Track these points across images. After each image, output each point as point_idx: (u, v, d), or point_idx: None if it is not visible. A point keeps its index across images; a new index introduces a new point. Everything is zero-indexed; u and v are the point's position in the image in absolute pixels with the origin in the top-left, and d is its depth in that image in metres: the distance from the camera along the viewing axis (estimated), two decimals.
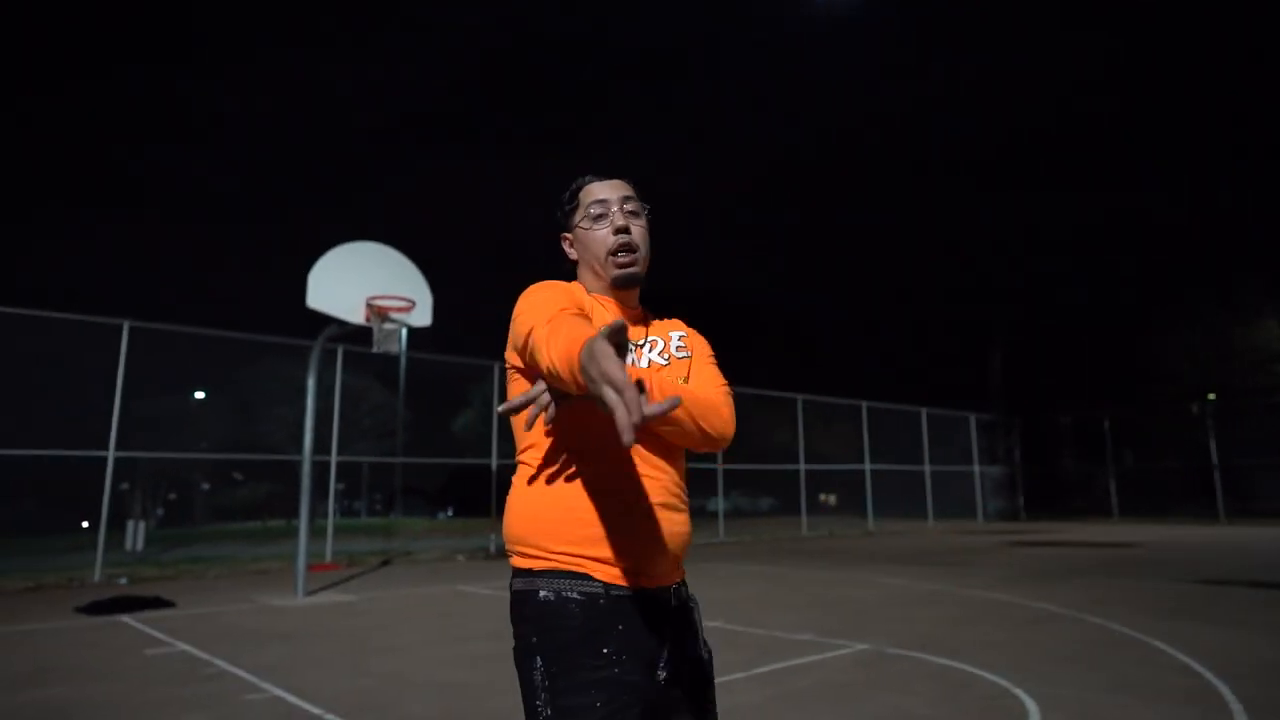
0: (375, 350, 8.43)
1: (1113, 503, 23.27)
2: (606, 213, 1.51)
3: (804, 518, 19.39)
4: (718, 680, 1.48)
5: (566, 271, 1.60)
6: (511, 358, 1.43)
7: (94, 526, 10.23)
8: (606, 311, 1.49)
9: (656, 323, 1.60)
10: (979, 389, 29.22)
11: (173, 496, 29.98)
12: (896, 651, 4.98)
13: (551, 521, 1.35)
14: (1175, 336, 28.61)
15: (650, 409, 0.92)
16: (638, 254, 1.51)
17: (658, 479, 1.40)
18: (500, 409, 1.35)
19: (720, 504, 18.68)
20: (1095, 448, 23.88)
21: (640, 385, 0.95)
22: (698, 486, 17.74)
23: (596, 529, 1.34)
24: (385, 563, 12.40)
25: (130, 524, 15.50)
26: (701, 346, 1.60)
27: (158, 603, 7.66)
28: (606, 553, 1.33)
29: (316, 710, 3.85)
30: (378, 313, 8.27)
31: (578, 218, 1.54)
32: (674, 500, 1.42)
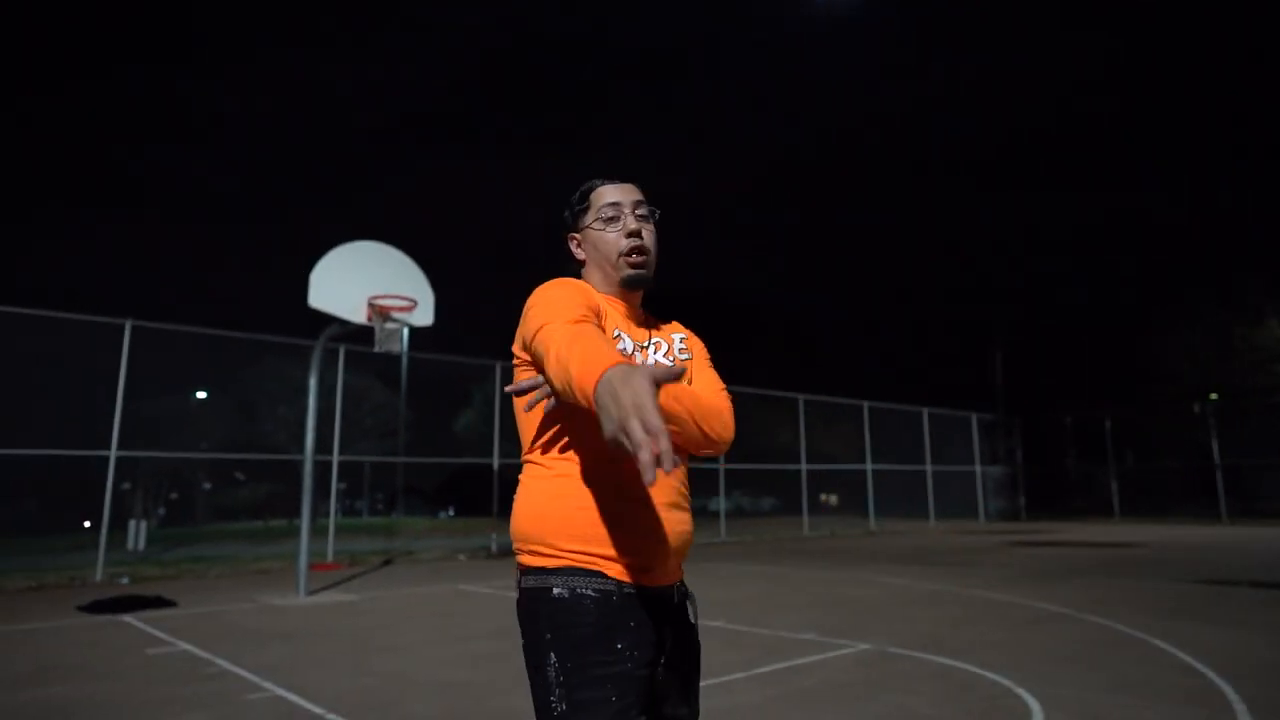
0: (377, 350, 8.43)
1: (1114, 503, 23.25)
2: (619, 215, 1.54)
3: (805, 517, 19.38)
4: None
5: (571, 270, 1.62)
6: (519, 350, 1.45)
7: (96, 526, 10.24)
8: (615, 311, 1.53)
9: (659, 325, 1.64)
10: (980, 389, 29.20)
11: (174, 496, 29.99)
12: (898, 651, 4.98)
13: (564, 520, 1.37)
14: (1176, 336, 28.58)
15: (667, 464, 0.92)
16: (649, 257, 1.55)
17: (666, 480, 1.41)
18: (507, 388, 1.38)
19: (722, 504, 18.68)
20: (1096, 448, 23.85)
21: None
22: (700, 486, 17.76)
23: (610, 528, 1.36)
24: (387, 562, 12.41)
25: (132, 523, 15.50)
26: (700, 349, 1.65)
27: (159, 602, 7.67)
28: (619, 551, 1.35)
29: (318, 710, 3.85)
30: (379, 312, 8.27)
31: (589, 219, 1.57)
32: (680, 500, 1.46)
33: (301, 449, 8.61)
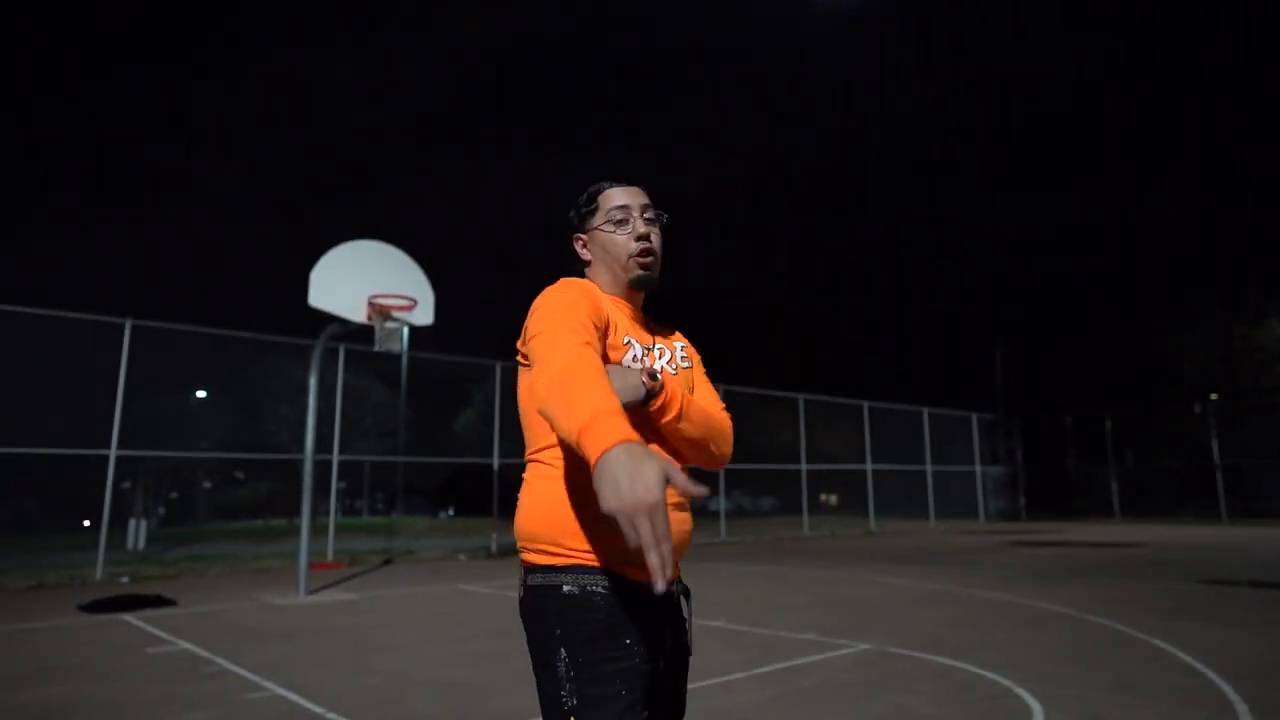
0: (377, 349, 8.43)
1: (1114, 503, 23.23)
2: (628, 218, 1.57)
3: (805, 517, 19.38)
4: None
5: (576, 270, 1.65)
6: (523, 348, 1.47)
7: (96, 525, 10.23)
8: (622, 313, 1.55)
9: (660, 330, 1.66)
10: (980, 389, 29.18)
11: (174, 495, 30.01)
12: (899, 651, 4.98)
13: (573, 519, 1.38)
14: (1176, 336, 28.58)
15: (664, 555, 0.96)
16: (656, 259, 1.59)
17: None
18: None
19: (722, 504, 18.69)
20: (1097, 448, 23.84)
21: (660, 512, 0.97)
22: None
23: (616, 536, 1.36)
24: (387, 561, 12.41)
25: (132, 523, 15.51)
26: (697, 359, 1.69)
27: (159, 601, 7.67)
28: (626, 550, 1.35)
29: (318, 709, 3.85)
30: (380, 311, 8.27)
31: (597, 221, 1.60)
32: (683, 501, 1.48)
33: (301, 448, 8.61)
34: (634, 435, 1.03)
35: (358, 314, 8.22)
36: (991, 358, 29.79)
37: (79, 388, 11.60)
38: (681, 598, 1.50)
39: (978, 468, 24.36)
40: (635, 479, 0.96)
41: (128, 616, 6.89)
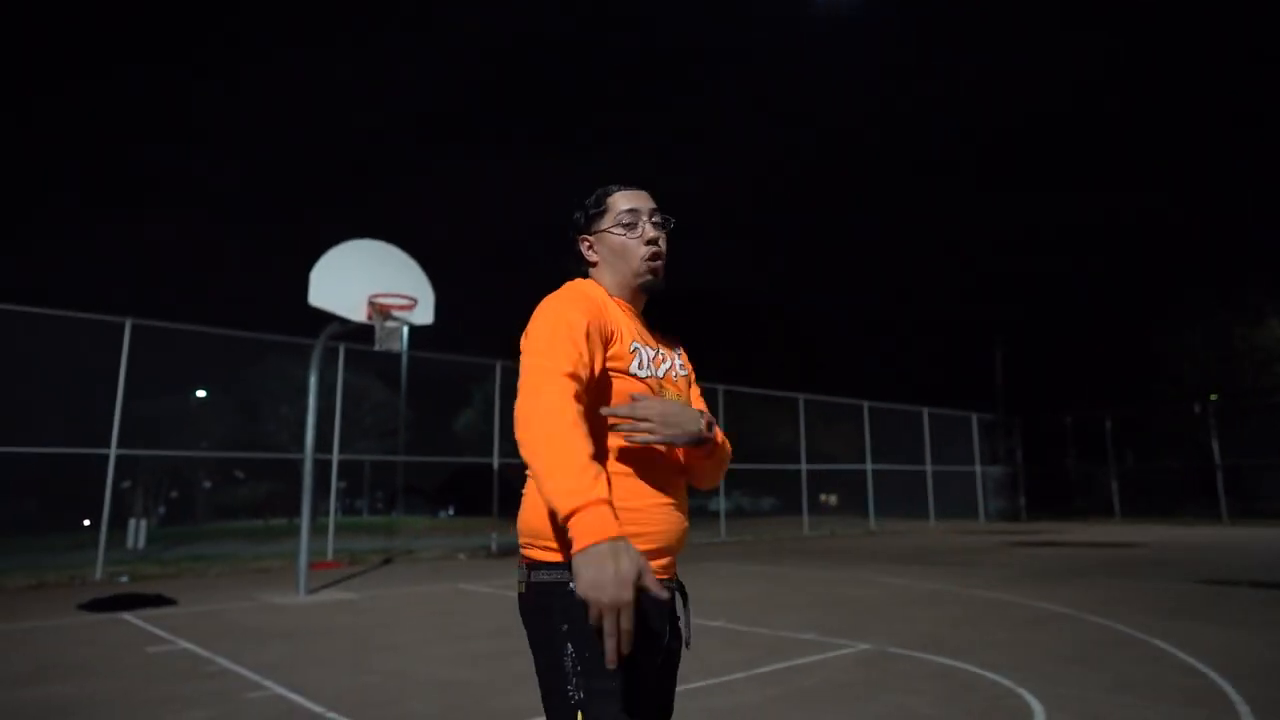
0: (377, 348, 8.42)
1: (1114, 503, 23.22)
2: (637, 222, 1.61)
3: (805, 517, 19.38)
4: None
5: (580, 272, 1.66)
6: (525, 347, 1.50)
7: (95, 524, 10.23)
8: (627, 317, 1.58)
9: (662, 338, 1.70)
10: (980, 389, 29.17)
11: (174, 495, 30.00)
12: (899, 651, 4.98)
13: None
14: (1177, 336, 28.58)
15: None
16: (663, 263, 1.64)
17: (675, 482, 1.54)
18: (603, 411, 1.43)
19: (722, 504, 18.70)
20: (1097, 448, 23.83)
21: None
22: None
23: (626, 527, 1.39)
24: (387, 561, 12.41)
25: (132, 522, 15.51)
26: (691, 369, 1.74)
27: (159, 600, 7.67)
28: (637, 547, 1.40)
29: (318, 708, 3.85)
30: (380, 310, 8.26)
31: (606, 223, 1.62)
32: (683, 502, 1.56)
33: (301, 447, 8.60)
34: (618, 530, 1.16)
35: (358, 313, 8.21)
36: (991, 358, 29.78)
37: (79, 387, 11.60)
38: (677, 594, 1.54)
39: (978, 468, 24.35)
40: (618, 583, 1.10)
41: (128, 616, 6.89)
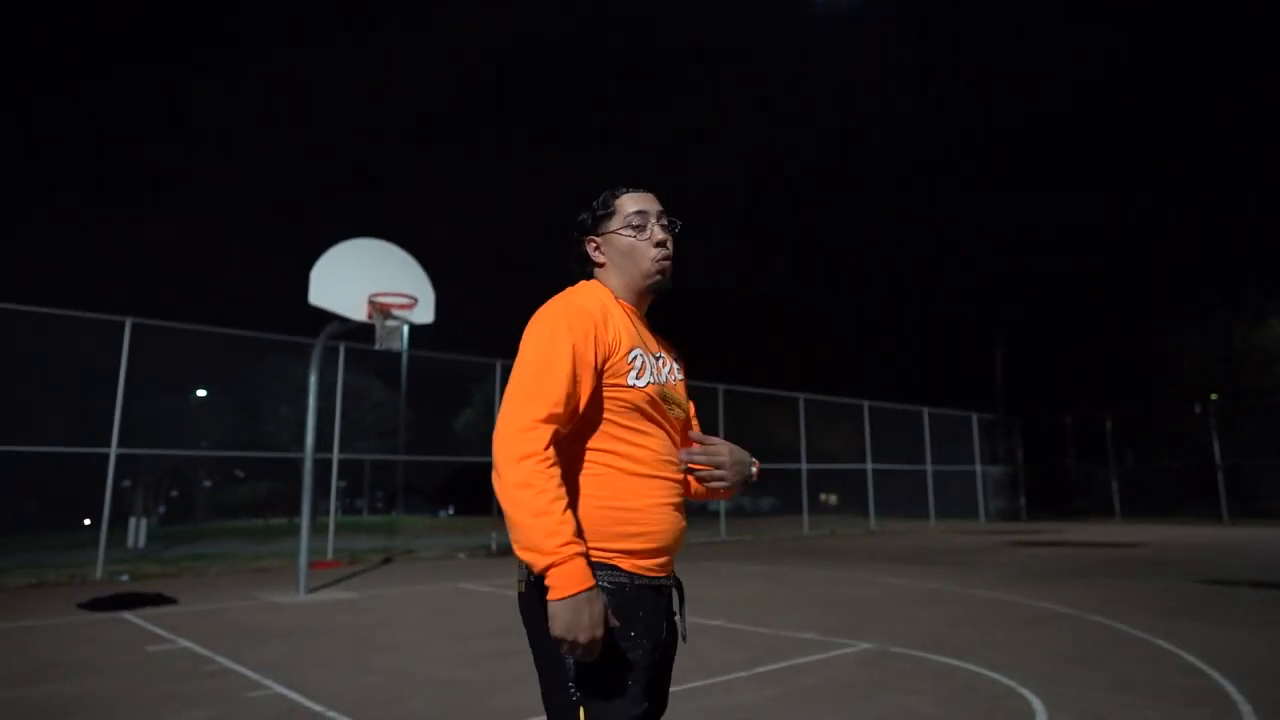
0: (377, 347, 8.42)
1: (1115, 503, 23.21)
2: (646, 224, 1.61)
3: (805, 517, 19.37)
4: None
5: (585, 273, 1.66)
6: None
7: (96, 523, 10.23)
8: (629, 319, 1.58)
9: (661, 339, 1.70)
10: (980, 389, 29.17)
11: (175, 494, 30.02)
12: (900, 651, 4.97)
13: (581, 517, 1.42)
14: (1177, 336, 28.55)
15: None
16: (671, 265, 1.65)
17: (675, 485, 1.56)
18: (683, 455, 1.58)
19: (722, 503, 18.67)
20: (1097, 448, 23.82)
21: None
22: None
23: (626, 526, 1.45)
24: (387, 560, 12.41)
25: (132, 521, 15.50)
26: (684, 373, 1.75)
27: (159, 599, 7.66)
28: (633, 547, 1.45)
29: (318, 707, 3.85)
30: (380, 310, 8.26)
31: (614, 225, 1.62)
32: (682, 503, 1.59)
33: (301, 447, 8.59)
34: (592, 581, 1.31)
35: (358, 312, 8.21)
36: (991, 358, 29.79)
37: (79, 387, 11.59)
38: (674, 590, 1.56)
39: (978, 468, 24.34)
40: (592, 626, 1.28)
41: (128, 615, 6.89)
